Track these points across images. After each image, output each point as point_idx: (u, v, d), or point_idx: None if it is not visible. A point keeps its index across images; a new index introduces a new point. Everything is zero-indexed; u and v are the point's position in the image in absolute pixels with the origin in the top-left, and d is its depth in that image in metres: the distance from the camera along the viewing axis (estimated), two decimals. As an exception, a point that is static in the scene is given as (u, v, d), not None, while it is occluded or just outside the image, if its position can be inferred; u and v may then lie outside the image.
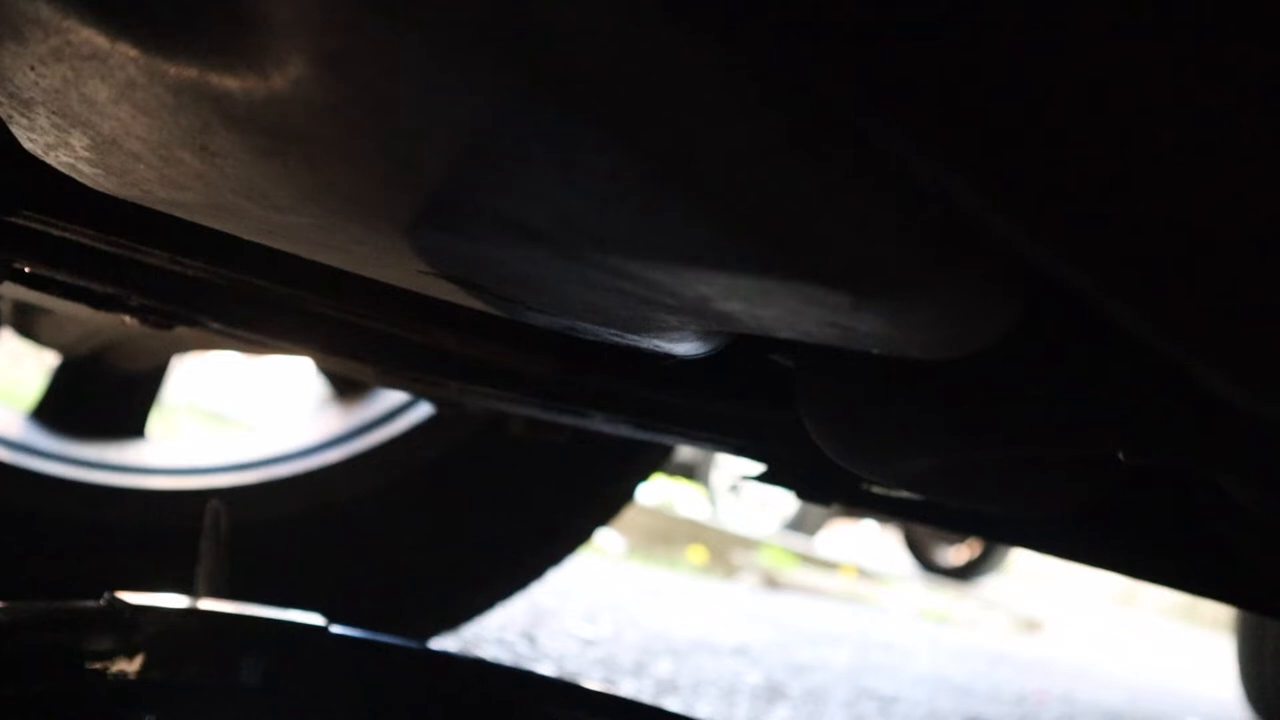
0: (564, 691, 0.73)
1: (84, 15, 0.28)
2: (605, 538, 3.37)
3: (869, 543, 5.42)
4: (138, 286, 0.56)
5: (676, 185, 0.28)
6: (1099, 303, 0.26)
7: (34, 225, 0.50)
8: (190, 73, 0.29)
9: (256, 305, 0.57)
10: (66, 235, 0.51)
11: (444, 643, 1.34)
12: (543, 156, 0.29)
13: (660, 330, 0.43)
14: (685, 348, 0.46)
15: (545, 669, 1.52)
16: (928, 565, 5.07)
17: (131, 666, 0.57)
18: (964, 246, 0.30)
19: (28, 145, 0.36)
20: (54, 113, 0.33)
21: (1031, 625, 4.62)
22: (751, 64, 0.24)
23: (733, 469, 4.59)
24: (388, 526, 1.09)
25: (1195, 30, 0.20)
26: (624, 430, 0.73)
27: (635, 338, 0.45)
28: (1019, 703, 2.31)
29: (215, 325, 0.59)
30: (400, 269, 0.42)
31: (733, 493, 4.70)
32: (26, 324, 1.03)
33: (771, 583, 3.85)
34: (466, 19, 0.24)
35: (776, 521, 4.78)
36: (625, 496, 1.19)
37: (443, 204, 0.33)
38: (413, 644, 0.69)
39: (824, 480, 0.70)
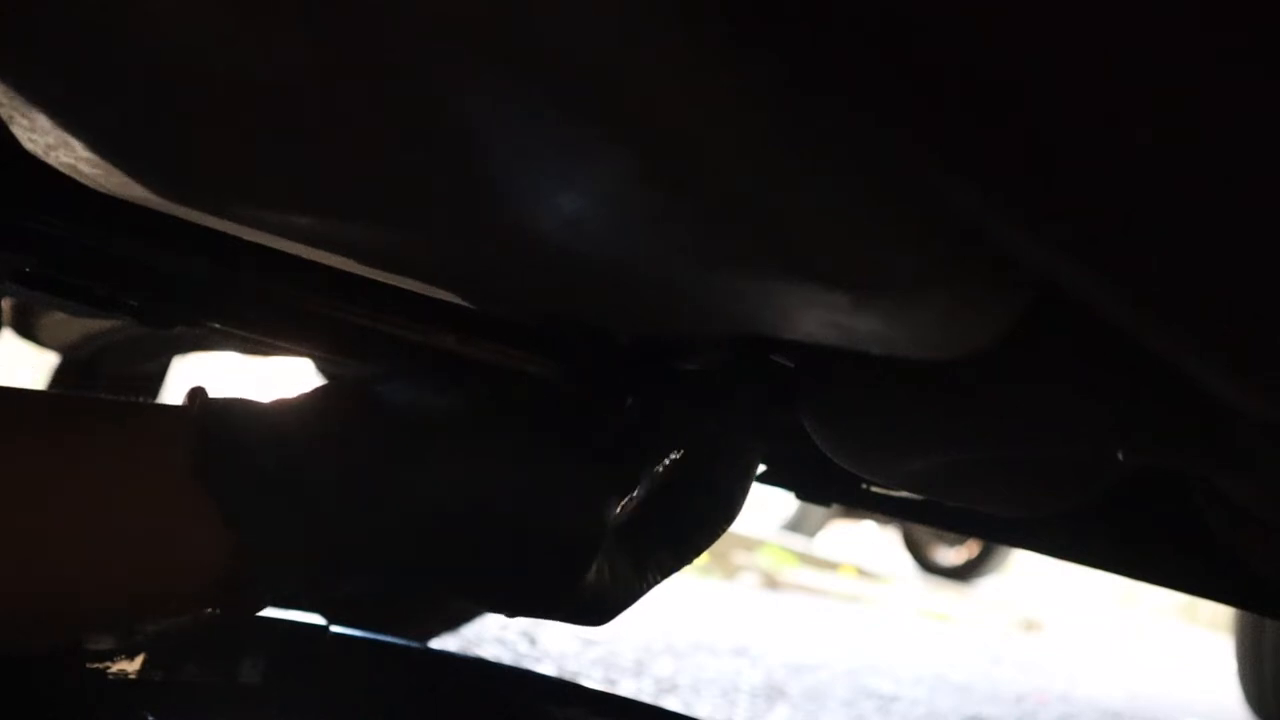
0: (564, 691, 0.73)
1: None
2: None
3: (869, 543, 5.41)
4: (138, 286, 0.56)
5: (677, 186, 0.28)
6: (1106, 308, 0.26)
7: (34, 225, 0.50)
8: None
9: (257, 305, 0.57)
10: (67, 235, 0.51)
11: (444, 643, 1.34)
12: (541, 157, 0.29)
13: (661, 330, 0.43)
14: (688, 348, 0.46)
15: (545, 669, 1.52)
16: (927, 565, 5.06)
17: (131, 666, 0.57)
18: (964, 246, 0.30)
19: (28, 145, 0.37)
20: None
21: (1031, 625, 4.62)
22: (751, 65, 0.24)
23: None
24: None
25: (1196, 29, 0.20)
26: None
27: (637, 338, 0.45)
28: (1019, 702, 2.31)
29: (215, 325, 0.59)
30: (401, 269, 0.42)
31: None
32: (26, 324, 1.03)
33: (771, 583, 3.84)
34: (470, 18, 0.24)
35: (776, 521, 4.78)
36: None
37: (442, 203, 0.33)
38: (413, 644, 0.69)
39: (824, 480, 0.70)
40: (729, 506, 0.48)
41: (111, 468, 0.40)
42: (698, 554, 0.49)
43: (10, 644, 0.42)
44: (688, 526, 0.48)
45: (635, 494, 0.45)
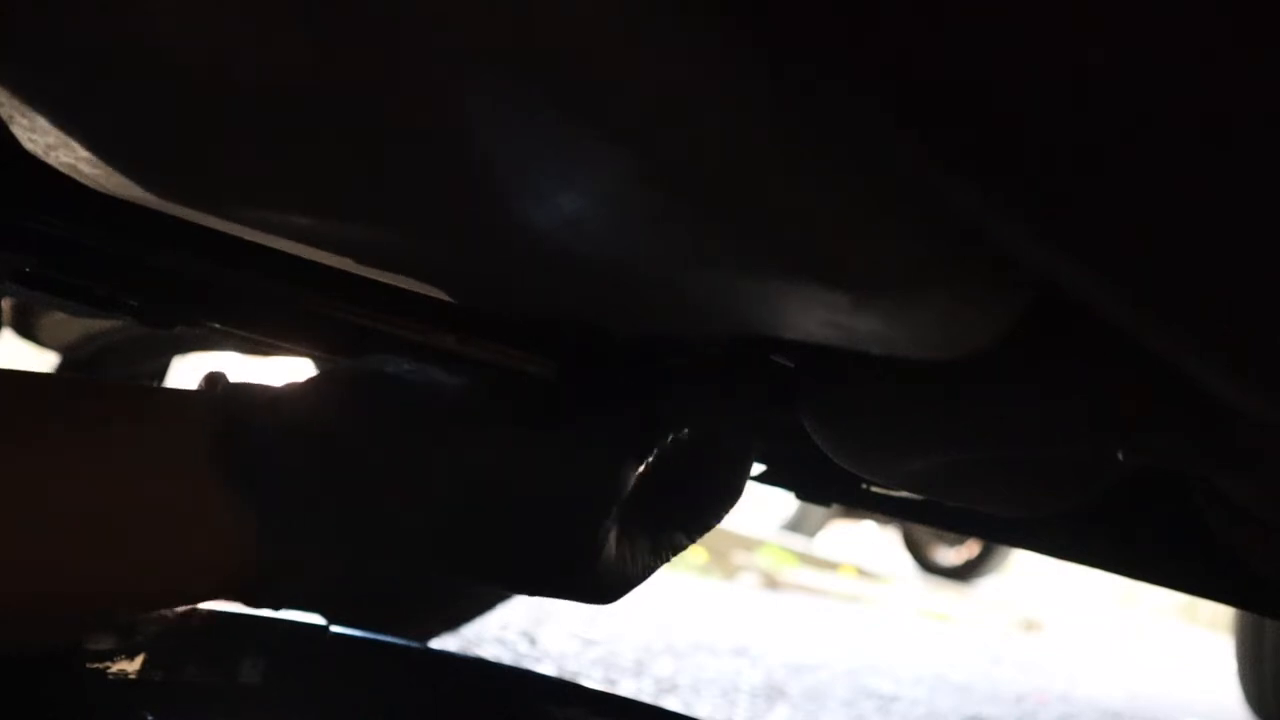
0: (564, 691, 0.73)
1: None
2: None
3: (869, 543, 5.41)
4: (138, 286, 0.56)
5: (677, 187, 0.28)
6: (1106, 308, 0.26)
7: (34, 225, 0.50)
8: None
9: (256, 305, 0.57)
10: (67, 235, 0.51)
11: (444, 643, 1.34)
12: (540, 157, 0.29)
13: (661, 330, 0.43)
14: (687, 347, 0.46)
15: (545, 669, 1.52)
16: (927, 565, 5.06)
17: (131, 666, 0.57)
18: (964, 246, 0.30)
19: (28, 145, 0.37)
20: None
21: (1031, 625, 4.62)
22: (751, 64, 0.24)
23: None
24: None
25: (1199, 27, 0.20)
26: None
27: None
28: (1019, 702, 2.31)
29: (215, 325, 0.59)
30: (400, 269, 0.42)
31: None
32: (26, 324, 1.03)
33: (771, 583, 3.84)
34: (468, 17, 0.24)
35: (776, 521, 4.78)
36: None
37: (441, 204, 0.33)
38: (413, 644, 0.69)
39: (824, 480, 0.70)
40: (735, 484, 0.49)
41: (127, 454, 0.40)
42: (707, 531, 0.50)
43: (26, 634, 0.42)
44: (699, 504, 0.48)
45: (645, 465, 0.45)
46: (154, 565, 0.41)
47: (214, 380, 0.43)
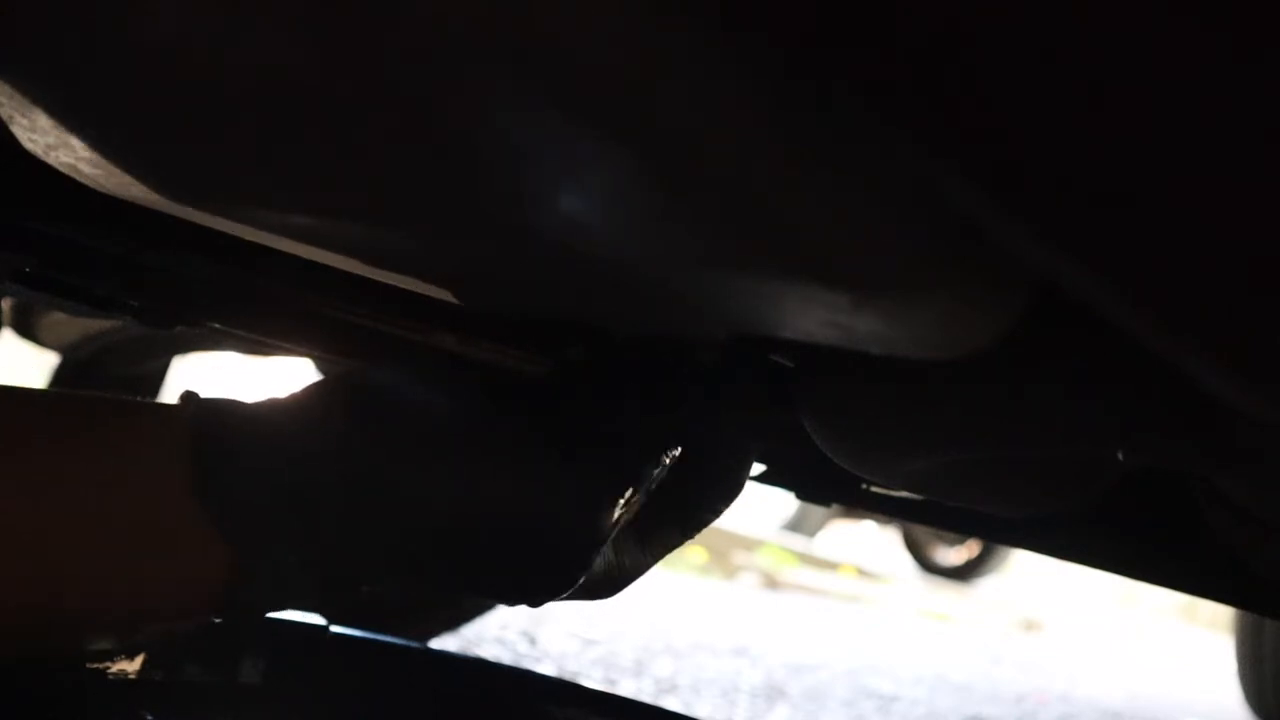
0: (564, 691, 0.73)
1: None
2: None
3: (869, 543, 5.41)
4: (138, 286, 0.56)
5: (677, 186, 0.28)
6: (1106, 308, 0.26)
7: (34, 225, 0.50)
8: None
9: (256, 305, 0.57)
10: (67, 235, 0.51)
11: (444, 643, 1.34)
12: (540, 156, 0.29)
13: (661, 330, 0.43)
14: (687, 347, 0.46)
15: (545, 669, 1.52)
16: (927, 565, 5.07)
17: (131, 666, 0.57)
18: (964, 246, 0.30)
19: (28, 145, 0.36)
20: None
21: (1031, 625, 4.62)
22: (751, 65, 0.24)
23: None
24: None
25: (1196, 26, 0.20)
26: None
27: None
28: (1019, 702, 2.31)
29: (215, 325, 0.59)
30: (400, 268, 0.42)
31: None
32: (26, 324, 1.03)
33: (771, 583, 3.85)
34: (469, 17, 0.24)
35: (776, 521, 4.78)
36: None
37: (441, 203, 0.33)
38: (413, 644, 0.69)
39: (824, 480, 0.70)
40: (732, 483, 0.49)
41: (100, 473, 0.39)
42: (702, 528, 0.50)
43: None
44: (691, 505, 0.48)
45: (639, 491, 0.45)
46: (124, 589, 0.40)
47: (188, 399, 0.42)
